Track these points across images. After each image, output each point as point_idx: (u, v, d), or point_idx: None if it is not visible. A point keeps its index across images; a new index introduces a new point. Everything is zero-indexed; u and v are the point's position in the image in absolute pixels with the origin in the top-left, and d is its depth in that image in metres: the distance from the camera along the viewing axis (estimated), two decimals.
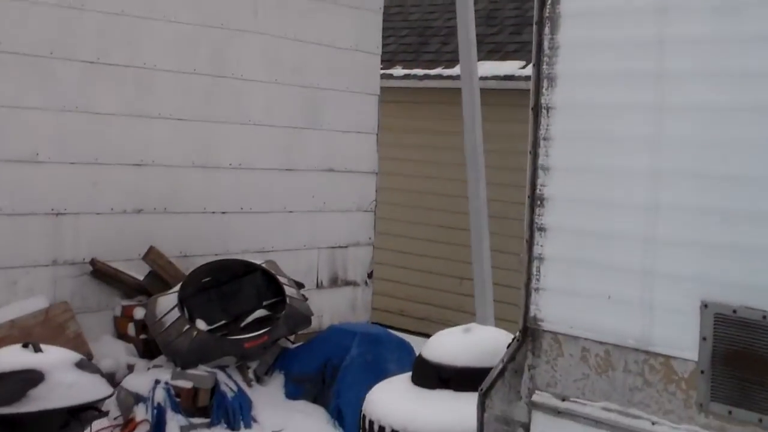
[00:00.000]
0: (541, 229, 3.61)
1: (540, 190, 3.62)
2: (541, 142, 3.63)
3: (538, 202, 3.60)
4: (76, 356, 5.29)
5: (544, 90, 3.64)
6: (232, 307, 7.38)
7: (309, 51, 8.79)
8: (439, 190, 12.61)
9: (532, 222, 3.64)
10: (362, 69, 9.27)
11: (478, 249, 9.38)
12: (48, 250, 7.15)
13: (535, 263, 3.62)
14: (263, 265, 7.53)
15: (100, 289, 7.50)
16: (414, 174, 12.94)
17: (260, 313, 7.38)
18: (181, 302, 7.09)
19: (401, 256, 13.06)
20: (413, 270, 13.01)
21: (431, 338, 5.15)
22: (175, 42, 7.83)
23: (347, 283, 9.36)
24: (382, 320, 12.96)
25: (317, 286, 9.01)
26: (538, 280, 3.63)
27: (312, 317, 7.51)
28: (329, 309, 9.09)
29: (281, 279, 7.44)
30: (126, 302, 7.60)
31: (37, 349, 5.13)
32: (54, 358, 5.12)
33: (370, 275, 9.53)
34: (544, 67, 3.66)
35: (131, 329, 7.50)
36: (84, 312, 7.31)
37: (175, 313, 7.00)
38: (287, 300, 7.25)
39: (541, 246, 3.61)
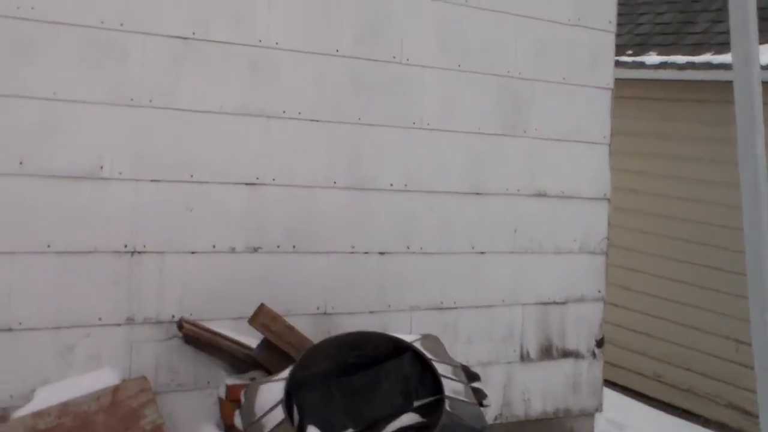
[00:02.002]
0: None
1: None
2: None
3: None
4: None
5: None
6: (365, 407, 5.02)
7: (507, 26, 6.50)
8: (707, 218, 10.08)
9: None
10: (586, 52, 6.84)
11: (759, 306, 6.73)
12: (120, 302, 5.29)
13: None
14: (416, 345, 5.09)
15: (197, 358, 5.53)
16: (670, 195, 10.53)
17: (408, 419, 4.97)
18: (290, 395, 4.84)
19: (655, 303, 10.58)
20: (672, 323, 10.45)
21: None
22: (306, 11, 5.77)
23: (566, 354, 6.88)
24: (630, 384, 10.70)
25: (521, 358, 6.66)
26: None
27: (486, 428, 5.04)
28: (540, 390, 6.75)
29: (440, 366, 4.97)
30: (232, 380, 5.53)
31: None
32: None
33: (599, 343, 6.95)
34: None
35: (239, 419, 5.34)
36: (174, 391, 5.43)
37: (278, 414, 4.78)
38: (446, 402, 4.78)
39: None
